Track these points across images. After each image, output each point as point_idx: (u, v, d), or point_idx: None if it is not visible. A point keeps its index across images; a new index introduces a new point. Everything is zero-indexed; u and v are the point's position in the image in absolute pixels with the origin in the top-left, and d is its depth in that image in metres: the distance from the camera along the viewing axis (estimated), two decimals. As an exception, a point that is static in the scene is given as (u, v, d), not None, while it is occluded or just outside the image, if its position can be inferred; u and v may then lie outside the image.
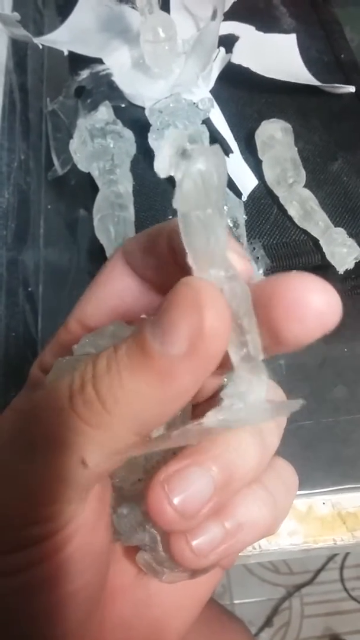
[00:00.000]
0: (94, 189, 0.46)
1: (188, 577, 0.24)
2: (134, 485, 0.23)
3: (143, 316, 0.19)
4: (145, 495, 0.20)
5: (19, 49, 0.59)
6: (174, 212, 0.44)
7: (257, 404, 0.19)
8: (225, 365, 0.19)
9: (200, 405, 0.24)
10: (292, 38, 0.54)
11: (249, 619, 1.34)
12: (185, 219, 0.18)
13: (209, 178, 0.17)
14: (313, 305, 0.18)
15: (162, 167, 0.17)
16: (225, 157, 0.45)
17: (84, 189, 0.50)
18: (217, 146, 0.17)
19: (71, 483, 0.19)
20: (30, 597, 0.20)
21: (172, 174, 0.17)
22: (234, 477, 0.20)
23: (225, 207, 0.40)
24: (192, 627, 0.56)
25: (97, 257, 0.48)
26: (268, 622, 1.36)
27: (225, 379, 0.21)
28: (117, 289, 0.23)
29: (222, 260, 0.18)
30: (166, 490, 0.19)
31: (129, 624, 0.24)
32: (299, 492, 0.40)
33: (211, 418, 0.19)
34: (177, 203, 0.17)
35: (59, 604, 0.21)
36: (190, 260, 0.18)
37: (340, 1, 0.64)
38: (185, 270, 0.19)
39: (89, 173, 0.47)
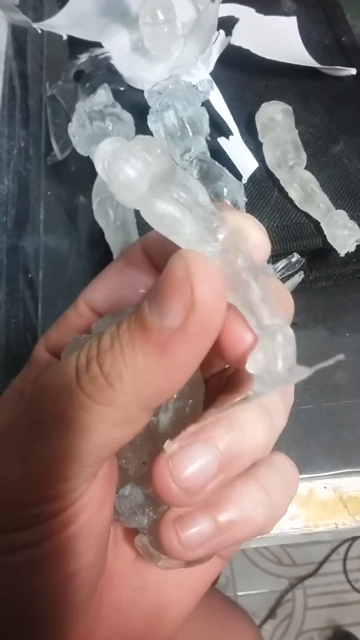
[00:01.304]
0: (94, 174, 0.46)
1: (184, 565, 0.24)
2: (139, 468, 0.23)
3: (142, 291, 0.19)
4: (150, 473, 0.20)
5: (19, 36, 0.60)
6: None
7: (288, 365, 0.19)
8: None
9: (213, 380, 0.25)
10: (292, 20, 0.54)
11: (253, 611, 1.35)
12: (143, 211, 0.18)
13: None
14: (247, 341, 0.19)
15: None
16: (225, 139, 0.45)
17: (83, 175, 0.50)
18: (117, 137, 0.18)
19: (79, 460, 0.19)
20: (35, 575, 0.20)
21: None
22: (240, 455, 0.21)
23: (225, 189, 0.40)
24: (196, 617, 0.56)
25: (97, 243, 0.48)
26: (271, 614, 1.37)
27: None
28: (130, 279, 0.24)
29: (209, 233, 0.18)
30: (170, 467, 0.20)
31: (126, 611, 0.24)
32: (301, 477, 0.40)
33: (258, 384, 0.19)
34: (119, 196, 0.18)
35: (62, 583, 0.21)
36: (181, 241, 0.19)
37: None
38: None
39: (88, 160, 0.47)
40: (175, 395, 0.23)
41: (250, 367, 0.19)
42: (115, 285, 0.24)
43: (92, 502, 0.21)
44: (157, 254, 0.23)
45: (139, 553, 0.25)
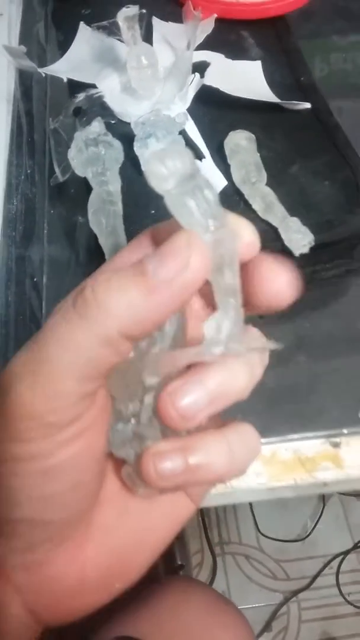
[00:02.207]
0: (89, 194, 0.52)
1: (158, 493, 0.29)
2: (130, 410, 0.28)
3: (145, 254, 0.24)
4: (156, 404, 0.25)
5: (25, 79, 0.66)
6: (156, 208, 0.55)
7: (231, 335, 0.25)
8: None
9: None
10: (257, 64, 0.62)
11: (248, 624, 1.36)
12: (166, 198, 0.24)
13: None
14: (279, 281, 0.26)
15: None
16: (199, 161, 0.53)
17: (81, 197, 0.56)
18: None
19: (75, 375, 0.23)
20: (47, 482, 0.24)
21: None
22: (225, 394, 0.25)
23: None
24: (192, 608, 0.63)
25: (92, 252, 0.54)
26: (267, 627, 1.40)
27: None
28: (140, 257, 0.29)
29: (206, 227, 0.24)
30: (172, 398, 0.25)
31: (111, 530, 0.29)
32: (265, 440, 0.47)
33: (204, 348, 0.25)
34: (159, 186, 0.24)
35: (69, 491, 0.25)
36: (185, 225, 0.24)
37: (308, 34, 0.71)
38: None
39: (85, 184, 0.54)
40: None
41: (204, 328, 0.25)
42: (125, 264, 0.27)
43: (94, 425, 0.25)
44: (162, 240, 0.29)
45: (124, 483, 0.29)
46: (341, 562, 1.46)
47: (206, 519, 1.50)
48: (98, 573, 0.28)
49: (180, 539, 1.21)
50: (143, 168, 0.53)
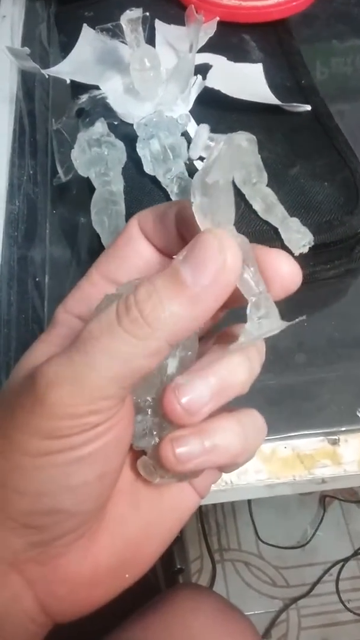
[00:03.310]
0: (91, 196, 0.53)
1: (176, 481, 0.30)
2: (148, 402, 0.29)
3: (174, 257, 0.25)
4: (160, 400, 0.26)
5: (27, 80, 0.67)
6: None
7: (274, 320, 0.26)
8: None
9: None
10: (258, 67, 0.63)
11: (248, 630, 1.36)
12: (214, 185, 0.25)
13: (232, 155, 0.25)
14: (281, 270, 0.27)
15: (196, 152, 0.26)
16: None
17: (83, 197, 0.57)
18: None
19: (118, 382, 0.24)
20: (75, 472, 0.25)
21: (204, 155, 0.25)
22: (226, 389, 0.27)
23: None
24: (201, 615, 0.64)
25: (93, 252, 0.55)
26: (266, 634, 1.39)
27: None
28: (136, 249, 0.29)
29: (231, 221, 0.26)
30: (176, 394, 0.26)
31: (124, 520, 0.30)
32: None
33: (247, 334, 0.26)
34: (213, 174, 0.24)
35: (94, 481, 0.26)
36: (209, 223, 0.25)
37: (309, 38, 0.73)
38: (185, 239, 0.27)
39: (87, 184, 0.54)
40: (180, 347, 0.28)
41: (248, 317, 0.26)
42: (125, 256, 0.30)
43: (122, 421, 0.26)
44: (149, 229, 0.29)
45: (137, 476, 0.30)
46: (341, 569, 1.45)
47: (206, 525, 1.50)
48: (110, 563, 0.29)
49: (179, 544, 1.21)
50: (146, 169, 0.54)
